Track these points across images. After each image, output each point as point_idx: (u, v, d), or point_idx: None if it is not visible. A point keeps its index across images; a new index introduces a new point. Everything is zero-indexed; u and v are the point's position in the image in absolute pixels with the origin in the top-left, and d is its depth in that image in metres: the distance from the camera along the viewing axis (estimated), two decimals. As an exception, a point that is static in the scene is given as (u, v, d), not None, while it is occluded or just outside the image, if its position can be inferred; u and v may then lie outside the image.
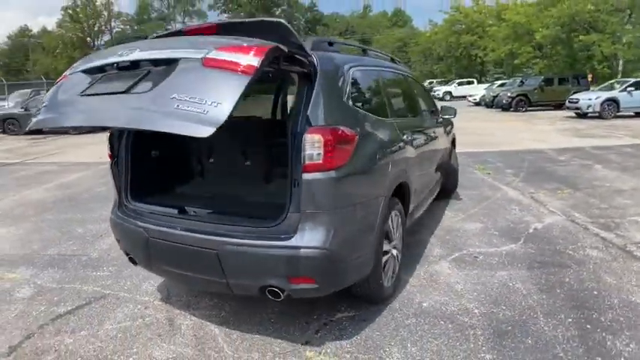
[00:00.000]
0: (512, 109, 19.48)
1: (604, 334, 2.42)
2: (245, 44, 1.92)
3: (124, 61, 2.08)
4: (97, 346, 2.49)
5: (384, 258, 2.80)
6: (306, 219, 2.21)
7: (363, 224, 2.48)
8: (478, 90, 26.99)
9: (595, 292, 2.90)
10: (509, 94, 20.16)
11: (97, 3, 29.78)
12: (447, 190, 5.10)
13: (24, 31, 40.29)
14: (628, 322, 2.53)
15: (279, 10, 69.65)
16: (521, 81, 21.83)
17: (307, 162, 2.17)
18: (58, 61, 29.66)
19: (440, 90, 31.95)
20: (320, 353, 2.37)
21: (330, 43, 2.69)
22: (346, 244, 2.33)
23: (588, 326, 2.50)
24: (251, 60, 1.81)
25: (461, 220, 4.47)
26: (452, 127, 5.21)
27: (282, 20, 2.19)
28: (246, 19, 2.45)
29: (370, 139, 2.61)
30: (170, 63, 1.94)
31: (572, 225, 4.24)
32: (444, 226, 4.32)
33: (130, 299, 3.03)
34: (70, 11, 29.34)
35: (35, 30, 34.67)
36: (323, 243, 2.21)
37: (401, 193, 3.07)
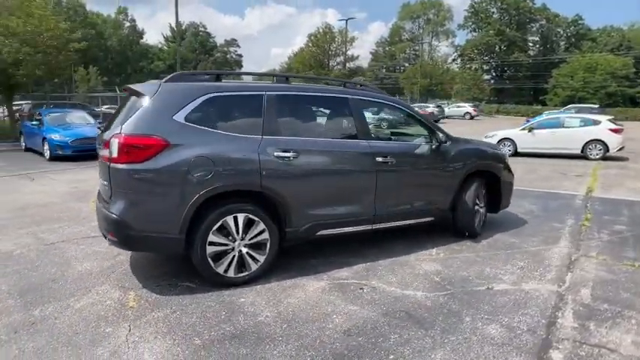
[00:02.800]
0: None
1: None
2: None
3: None
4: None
5: (213, 250, 3.31)
6: (114, 194, 3.17)
7: (161, 209, 3.17)
8: None
9: None
10: None
11: (334, 30, 35.24)
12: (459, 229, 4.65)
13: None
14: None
15: (537, 25, 62.78)
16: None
17: (111, 156, 3.09)
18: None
19: None
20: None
21: (194, 74, 3.49)
22: (138, 218, 3.13)
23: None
24: None
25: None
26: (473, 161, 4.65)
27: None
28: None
29: (192, 148, 3.19)
30: None
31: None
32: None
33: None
34: (313, 37, 35.79)
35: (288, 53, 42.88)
36: (118, 212, 3.12)
37: (268, 202, 3.45)
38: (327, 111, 4.10)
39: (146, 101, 3.24)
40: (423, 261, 4.07)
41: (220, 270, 3.37)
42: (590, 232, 5.01)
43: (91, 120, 13.09)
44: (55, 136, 11.08)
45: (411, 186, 4.31)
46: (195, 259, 3.31)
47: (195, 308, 3.09)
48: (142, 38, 61.31)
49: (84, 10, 51.73)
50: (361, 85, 4.54)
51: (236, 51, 74.72)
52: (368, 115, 4.52)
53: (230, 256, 3.40)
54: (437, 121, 32.89)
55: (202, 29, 72.18)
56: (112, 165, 3.13)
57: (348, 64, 36.36)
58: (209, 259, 3.32)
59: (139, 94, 3.33)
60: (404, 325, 2.86)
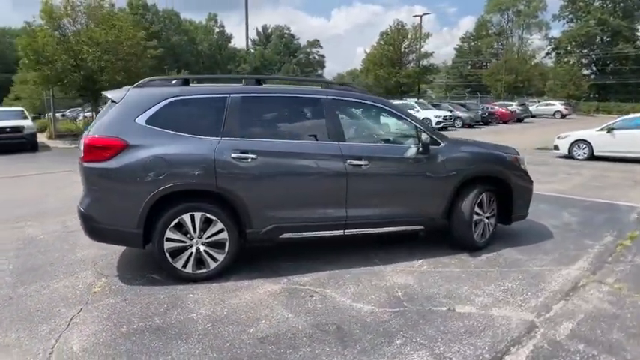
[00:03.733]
0: None
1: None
2: None
3: None
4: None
5: (171, 245, 3.41)
6: (84, 190, 3.46)
7: (120, 205, 3.34)
8: None
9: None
10: None
11: (407, 27, 33.73)
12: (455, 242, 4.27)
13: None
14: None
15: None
16: None
17: (81, 155, 3.35)
18: (368, 78, 36.32)
19: None
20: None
21: (162, 79, 3.71)
22: (99, 213, 3.35)
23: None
24: None
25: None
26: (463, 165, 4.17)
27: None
28: None
29: (149, 149, 3.32)
30: None
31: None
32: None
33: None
34: (385, 35, 34.67)
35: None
36: (84, 206, 3.41)
37: (226, 202, 3.48)
38: (299, 112, 3.97)
39: (114, 106, 3.46)
40: (398, 272, 3.76)
41: (178, 265, 3.47)
42: (624, 254, 4.20)
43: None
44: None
45: (392, 191, 3.99)
46: (155, 253, 3.45)
47: (144, 299, 3.22)
48: (229, 42, 65.37)
49: (178, 19, 56.68)
50: (342, 85, 4.34)
51: (318, 52, 76.41)
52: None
53: (188, 252, 3.48)
54: (520, 120, 30.10)
55: (287, 32, 74.98)
56: (81, 163, 3.39)
57: (422, 62, 34.66)
58: (167, 254, 3.42)
59: (111, 100, 3.56)
60: (324, 339, 2.67)
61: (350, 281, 3.57)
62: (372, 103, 4.16)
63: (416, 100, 25.88)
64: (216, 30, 63.41)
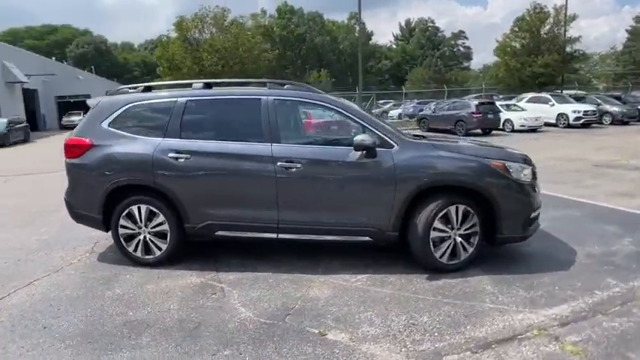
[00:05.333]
0: None
1: None
2: None
3: None
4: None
5: (124, 232, 3.87)
6: (67, 180, 4.14)
7: (86, 194, 3.93)
8: None
9: None
10: None
11: (547, 10, 28.03)
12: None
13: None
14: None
15: None
16: None
17: (64, 152, 4.04)
18: (499, 70, 31.62)
19: None
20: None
21: (130, 88, 4.15)
22: (75, 200, 4.01)
23: None
24: None
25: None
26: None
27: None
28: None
29: (107, 149, 3.81)
30: None
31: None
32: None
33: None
34: (520, 21, 29.49)
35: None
36: (66, 195, 4.09)
37: (166, 198, 3.80)
38: (238, 114, 3.93)
39: (89, 111, 4.10)
40: (324, 284, 3.47)
41: (130, 249, 3.91)
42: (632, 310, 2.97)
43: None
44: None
45: (330, 197, 3.67)
46: (113, 237, 3.97)
47: (96, 274, 3.77)
48: (370, 39, 66.01)
49: (321, 19, 59.82)
50: (284, 85, 4.11)
51: (464, 43, 70.92)
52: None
53: (137, 239, 3.89)
54: None
55: (430, 24, 71.70)
56: (64, 159, 4.15)
57: (567, 48, 28.69)
58: (121, 239, 3.91)
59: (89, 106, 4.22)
60: (171, 335, 2.73)
61: (265, 286, 3.47)
62: (317, 102, 3.87)
63: (552, 92, 21.78)
64: (357, 28, 64.76)
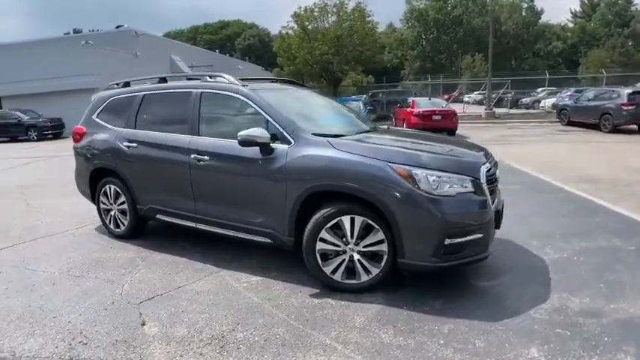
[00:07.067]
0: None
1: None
2: None
3: None
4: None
5: (103, 207, 4.55)
6: None
7: (81, 174, 4.71)
8: None
9: None
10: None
11: None
12: None
13: None
14: None
15: None
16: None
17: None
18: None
19: None
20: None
21: (125, 83, 4.65)
22: (77, 178, 4.84)
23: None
24: None
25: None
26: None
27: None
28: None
29: (92, 136, 4.50)
30: None
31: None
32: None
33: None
34: None
35: None
36: (74, 174, 4.95)
37: (123, 180, 4.28)
38: (175, 107, 3.99)
39: (90, 104, 4.84)
40: (212, 278, 3.43)
41: (107, 221, 4.57)
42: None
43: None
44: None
45: (231, 193, 3.55)
46: (97, 210, 4.69)
47: (91, 238, 4.54)
48: (539, 19, 56.56)
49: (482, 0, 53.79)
50: (211, 77, 3.94)
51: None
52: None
53: (110, 214, 4.52)
54: None
55: (621, -2, 56.94)
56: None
57: None
58: (102, 213, 4.60)
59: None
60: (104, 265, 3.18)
61: (163, 269, 3.65)
62: (231, 94, 3.66)
63: None
64: (525, 6, 56.29)
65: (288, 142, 3.25)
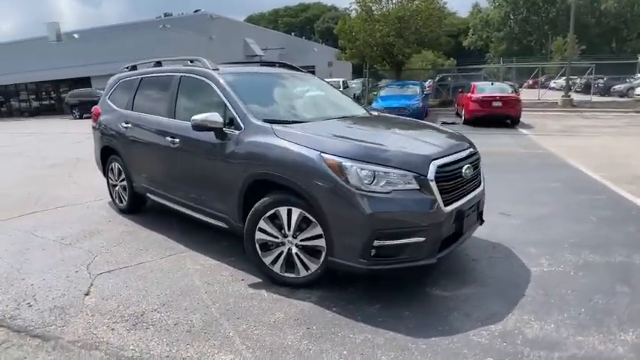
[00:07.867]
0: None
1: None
2: None
3: None
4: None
5: (110, 182, 4.92)
6: None
7: (96, 152, 5.09)
8: None
9: None
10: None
11: None
12: None
13: None
14: None
15: None
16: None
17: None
18: None
19: None
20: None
21: (132, 66, 4.87)
22: (95, 154, 5.22)
23: None
24: None
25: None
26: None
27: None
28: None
29: (103, 116, 4.82)
30: None
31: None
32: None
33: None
34: None
35: None
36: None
37: (120, 155, 4.58)
38: (162, 90, 4.03)
39: (105, 87, 5.18)
40: (176, 258, 3.51)
41: (114, 196, 4.93)
42: None
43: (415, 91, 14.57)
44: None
45: (195, 176, 3.57)
46: (107, 186, 5.09)
47: (86, 215, 4.93)
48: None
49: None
50: (192, 61, 3.88)
51: None
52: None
53: (115, 190, 4.87)
54: None
55: None
56: None
57: None
58: (110, 188, 4.97)
59: None
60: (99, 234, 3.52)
61: (138, 244, 3.83)
62: (202, 79, 3.60)
63: None
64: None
65: (239, 128, 3.17)
